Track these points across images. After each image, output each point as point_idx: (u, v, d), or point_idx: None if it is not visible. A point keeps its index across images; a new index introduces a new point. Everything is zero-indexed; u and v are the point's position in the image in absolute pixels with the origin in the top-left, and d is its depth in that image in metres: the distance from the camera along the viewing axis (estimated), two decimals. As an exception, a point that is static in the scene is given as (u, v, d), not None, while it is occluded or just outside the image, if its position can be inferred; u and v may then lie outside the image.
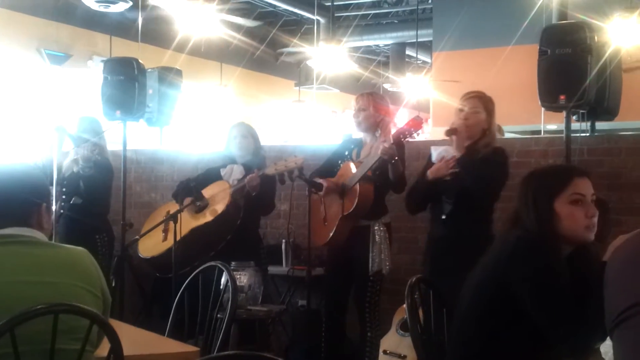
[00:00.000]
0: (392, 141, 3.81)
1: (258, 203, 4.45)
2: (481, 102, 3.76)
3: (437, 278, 3.39)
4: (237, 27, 11.02)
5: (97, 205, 4.94)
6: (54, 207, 4.96)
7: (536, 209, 2.19)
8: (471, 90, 3.90)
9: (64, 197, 4.98)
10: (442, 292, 3.22)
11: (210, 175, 4.62)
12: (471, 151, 3.71)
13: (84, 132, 5.01)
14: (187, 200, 4.46)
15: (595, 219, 2.19)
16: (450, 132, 3.74)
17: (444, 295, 2.72)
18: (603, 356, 2.12)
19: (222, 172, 4.57)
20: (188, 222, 4.37)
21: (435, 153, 3.80)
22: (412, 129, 3.76)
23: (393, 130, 4.09)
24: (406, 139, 3.86)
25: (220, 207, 4.39)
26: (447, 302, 3.22)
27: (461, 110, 3.75)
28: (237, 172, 4.47)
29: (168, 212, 4.44)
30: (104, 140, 5.13)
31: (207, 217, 4.43)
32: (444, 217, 3.69)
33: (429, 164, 3.83)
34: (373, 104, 4.12)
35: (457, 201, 3.66)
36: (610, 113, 4.42)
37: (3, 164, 2.19)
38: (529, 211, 2.21)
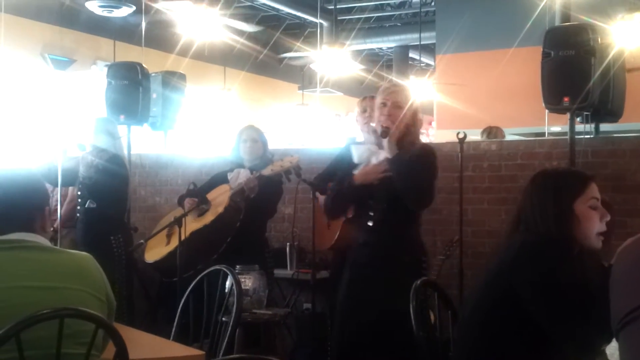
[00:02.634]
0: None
1: (259, 206, 4.45)
2: (403, 97, 3.37)
3: (359, 285, 3.33)
4: (241, 31, 11.04)
5: (110, 208, 4.94)
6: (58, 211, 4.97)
7: (556, 208, 2.19)
8: (392, 84, 3.58)
9: (79, 200, 4.99)
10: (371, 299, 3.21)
11: (218, 179, 4.63)
12: (399, 151, 3.33)
13: (100, 133, 4.99)
14: (192, 204, 4.47)
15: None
16: (385, 133, 3.30)
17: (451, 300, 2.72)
18: (609, 358, 2.11)
19: (229, 175, 4.58)
20: (189, 226, 4.38)
21: (357, 153, 3.45)
22: None
23: None
24: None
25: (219, 210, 4.40)
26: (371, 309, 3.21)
27: (384, 105, 3.37)
28: (243, 175, 4.47)
29: (175, 217, 4.45)
30: (117, 144, 5.08)
31: (206, 220, 4.45)
32: (370, 223, 3.35)
33: (350, 165, 3.46)
34: None
35: (388, 206, 3.32)
36: (614, 114, 4.42)
37: (5, 170, 2.20)
38: (546, 211, 2.20)
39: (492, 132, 6.20)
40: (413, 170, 3.23)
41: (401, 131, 3.31)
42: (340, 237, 4.03)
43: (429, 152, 3.34)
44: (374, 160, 3.38)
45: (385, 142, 3.29)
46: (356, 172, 3.37)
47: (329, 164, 4.27)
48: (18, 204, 2.06)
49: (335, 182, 3.59)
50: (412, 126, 3.35)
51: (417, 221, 3.43)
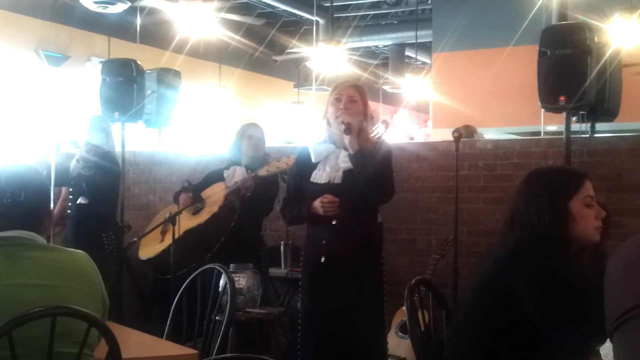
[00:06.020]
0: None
1: (255, 205, 4.43)
2: (357, 91, 3.47)
3: (324, 283, 3.42)
4: (236, 28, 11.01)
5: (101, 205, 4.92)
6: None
7: (552, 208, 2.18)
8: (344, 80, 3.61)
9: (71, 197, 4.97)
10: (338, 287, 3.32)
11: (213, 177, 4.61)
12: (360, 147, 3.36)
13: (94, 130, 4.98)
14: (187, 202, 4.46)
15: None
16: (348, 130, 3.32)
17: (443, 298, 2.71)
18: (603, 358, 2.10)
19: (225, 173, 4.57)
20: (184, 224, 4.37)
21: (315, 153, 3.46)
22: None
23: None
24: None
25: (214, 209, 4.38)
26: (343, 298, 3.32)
27: (338, 100, 3.40)
28: (238, 174, 4.46)
29: (170, 213, 4.44)
30: (110, 142, 5.06)
31: (201, 218, 4.43)
32: (334, 222, 3.38)
33: (309, 166, 3.46)
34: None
35: (351, 205, 3.36)
36: (610, 114, 4.41)
37: (18, 166, 2.17)
38: (541, 210, 2.19)
39: (467, 130, 6.01)
40: (374, 166, 3.32)
41: (361, 127, 3.37)
42: None
43: (386, 148, 3.44)
44: (332, 159, 3.43)
45: (347, 138, 3.34)
46: (315, 203, 3.39)
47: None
48: (33, 203, 2.06)
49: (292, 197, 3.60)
50: (365, 121, 3.43)
51: (377, 217, 3.52)
